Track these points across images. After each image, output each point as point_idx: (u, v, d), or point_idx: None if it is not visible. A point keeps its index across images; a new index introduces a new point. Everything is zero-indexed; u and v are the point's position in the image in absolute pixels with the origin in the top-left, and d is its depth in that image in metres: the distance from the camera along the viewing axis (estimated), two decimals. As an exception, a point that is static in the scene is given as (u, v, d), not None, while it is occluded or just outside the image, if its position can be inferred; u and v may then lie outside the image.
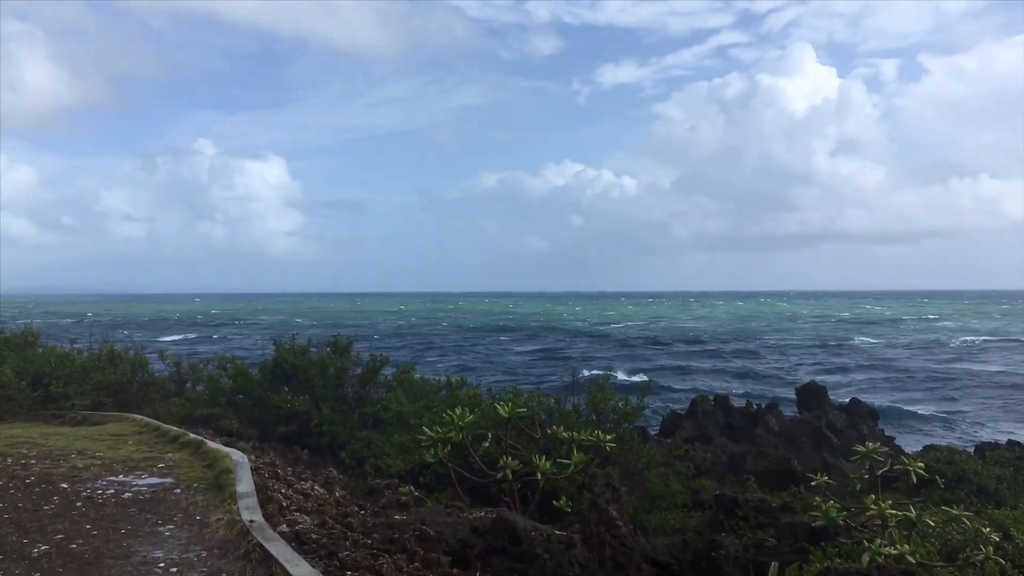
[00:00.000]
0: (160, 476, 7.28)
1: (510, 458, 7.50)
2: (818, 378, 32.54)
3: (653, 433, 17.66)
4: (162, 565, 4.80)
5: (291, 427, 11.90)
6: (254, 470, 7.22)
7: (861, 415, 19.90)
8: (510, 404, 8.12)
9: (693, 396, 22.42)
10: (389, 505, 7.53)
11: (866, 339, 70.06)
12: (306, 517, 5.93)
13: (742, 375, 45.26)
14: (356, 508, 6.89)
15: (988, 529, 5.73)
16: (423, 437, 7.85)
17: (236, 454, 7.72)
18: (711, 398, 19.74)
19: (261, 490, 6.49)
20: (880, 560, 5.06)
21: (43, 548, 5.06)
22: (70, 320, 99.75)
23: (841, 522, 5.82)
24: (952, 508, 5.92)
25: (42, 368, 13.19)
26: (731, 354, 57.24)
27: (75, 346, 14.85)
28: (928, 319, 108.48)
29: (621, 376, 38.96)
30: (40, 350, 14.66)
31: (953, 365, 48.97)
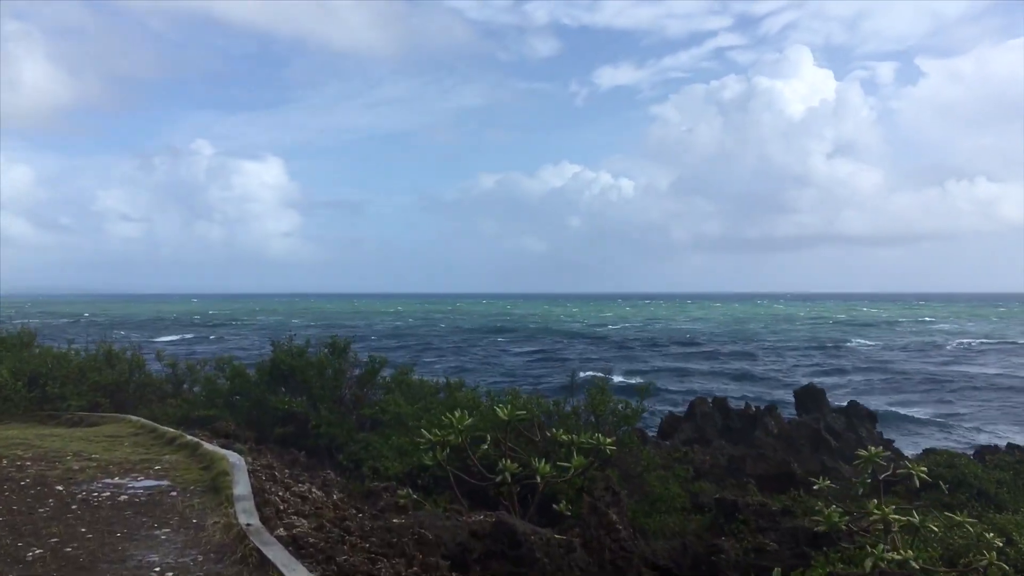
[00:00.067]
0: (156, 478, 7.21)
1: (509, 461, 7.45)
2: (815, 380, 32.50)
3: (651, 435, 17.62)
4: (158, 569, 4.74)
5: (288, 429, 11.84)
6: (251, 472, 7.16)
7: (859, 418, 19.87)
8: (509, 406, 8.06)
9: (690, 398, 22.38)
10: (387, 508, 7.47)
11: (863, 341, 70.16)
12: (303, 520, 5.87)
13: (739, 377, 45.28)
14: (354, 511, 6.83)
15: (991, 534, 5.69)
16: (421, 439, 7.80)
17: (233, 456, 7.66)
18: (709, 400, 19.70)
19: (258, 493, 6.43)
20: (883, 565, 5.02)
21: (38, 552, 4.99)
22: (66, 320, 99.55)
23: (843, 527, 5.77)
24: (955, 514, 5.88)
25: (38, 368, 13.12)
26: (728, 356, 57.28)
27: (72, 346, 14.79)
28: (924, 321, 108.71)
29: (618, 378, 38.93)
30: (37, 350, 14.59)
31: (950, 368, 49.05)
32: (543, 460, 7.43)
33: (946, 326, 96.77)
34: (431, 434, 7.66)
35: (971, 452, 16.57)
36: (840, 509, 5.84)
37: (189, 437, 9.05)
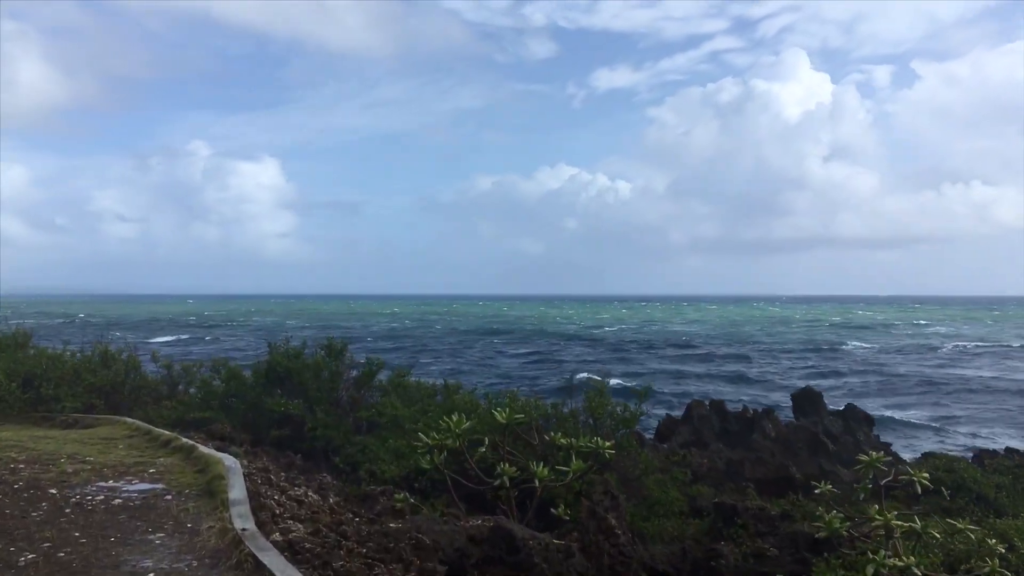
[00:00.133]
0: (151, 482, 7.15)
1: (507, 465, 7.40)
2: (811, 383, 32.50)
3: (648, 438, 17.56)
4: (152, 575, 4.69)
5: (284, 431, 11.78)
6: (247, 476, 7.10)
7: (857, 421, 19.84)
8: (507, 410, 8.01)
9: (686, 400, 22.32)
10: (384, 512, 7.41)
11: (859, 344, 70.27)
12: (299, 525, 5.81)
13: (735, 379, 45.25)
14: (350, 515, 6.77)
15: (993, 540, 5.65)
16: (418, 443, 7.74)
17: (228, 459, 7.60)
18: (706, 403, 19.64)
19: (254, 497, 6.37)
20: (885, 572, 4.97)
21: (30, 557, 4.93)
22: (62, 321, 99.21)
23: (844, 532, 5.73)
24: (957, 521, 5.84)
25: (33, 369, 13.03)
26: (723, 358, 57.27)
27: (67, 347, 14.70)
28: (920, 324, 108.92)
29: (615, 380, 38.89)
30: (32, 351, 14.50)
31: (945, 370, 49.10)
32: (541, 464, 7.38)
33: (942, 329, 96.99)
34: (428, 437, 7.60)
35: (968, 455, 16.57)
36: (841, 514, 5.78)
37: (184, 440, 8.99)
